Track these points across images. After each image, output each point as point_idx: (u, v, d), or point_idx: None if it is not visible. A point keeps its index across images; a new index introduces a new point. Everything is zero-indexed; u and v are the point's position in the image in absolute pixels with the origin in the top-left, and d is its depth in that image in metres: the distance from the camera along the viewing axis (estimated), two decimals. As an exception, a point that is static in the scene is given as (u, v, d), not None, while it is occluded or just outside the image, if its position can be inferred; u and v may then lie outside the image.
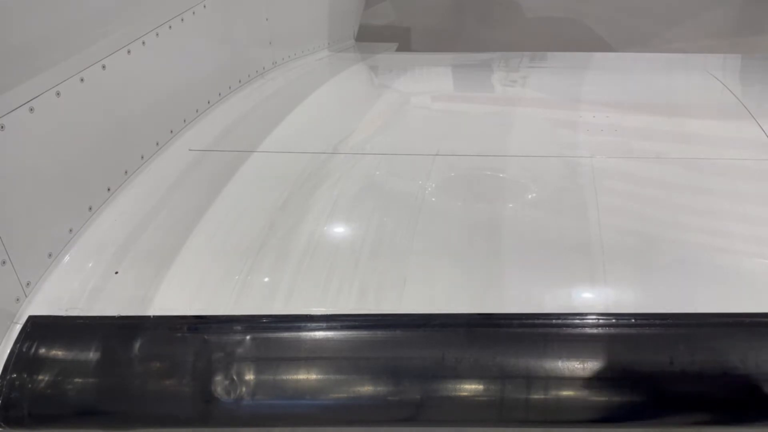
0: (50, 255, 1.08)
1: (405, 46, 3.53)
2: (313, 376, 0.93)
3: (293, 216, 1.21)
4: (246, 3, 1.90)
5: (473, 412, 0.92)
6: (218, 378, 0.92)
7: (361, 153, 1.50)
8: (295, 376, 0.93)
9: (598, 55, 2.75)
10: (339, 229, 1.22)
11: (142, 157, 1.37)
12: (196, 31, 1.59)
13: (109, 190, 1.25)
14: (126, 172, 1.31)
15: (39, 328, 0.97)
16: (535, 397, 0.91)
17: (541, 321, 0.96)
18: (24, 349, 0.95)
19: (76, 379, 0.93)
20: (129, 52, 1.30)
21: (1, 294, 0.97)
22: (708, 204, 1.25)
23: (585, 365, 0.92)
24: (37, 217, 1.06)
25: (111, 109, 1.27)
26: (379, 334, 0.97)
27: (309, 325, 0.97)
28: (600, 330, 0.95)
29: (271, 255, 1.11)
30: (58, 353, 0.95)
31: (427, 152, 1.45)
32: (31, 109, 1.02)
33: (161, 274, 1.06)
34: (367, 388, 0.92)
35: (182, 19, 1.51)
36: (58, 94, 1.08)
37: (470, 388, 0.92)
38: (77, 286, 1.04)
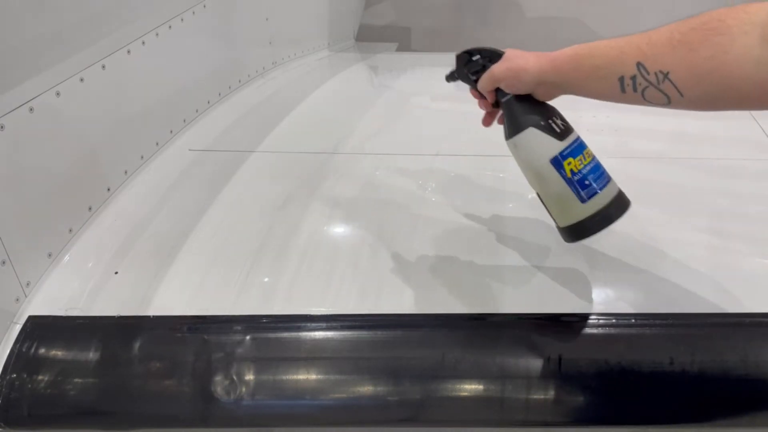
0: (50, 255, 1.08)
1: (405, 46, 3.52)
2: (313, 376, 0.93)
3: (293, 216, 1.21)
4: (246, 3, 1.90)
5: (473, 412, 0.92)
6: (218, 378, 0.92)
7: (361, 153, 1.50)
8: (295, 376, 0.93)
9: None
10: (339, 229, 1.22)
11: (142, 157, 1.37)
12: (196, 31, 1.59)
13: (109, 190, 1.25)
14: (126, 172, 1.31)
15: (39, 328, 0.97)
16: (535, 397, 0.91)
17: (541, 321, 0.96)
18: (24, 349, 0.95)
19: (76, 379, 0.93)
20: (129, 52, 1.30)
21: (0, 294, 0.97)
22: (708, 204, 1.25)
23: (585, 365, 0.92)
24: (37, 217, 1.06)
25: (111, 109, 1.27)
26: (379, 334, 0.97)
27: (309, 325, 0.97)
28: (600, 330, 0.95)
29: (271, 255, 1.11)
30: (57, 353, 0.95)
31: (427, 152, 1.45)
32: (31, 109, 1.02)
33: (161, 274, 1.06)
34: (367, 388, 0.92)
35: (182, 19, 1.51)
36: (58, 94, 1.08)
37: (470, 388, 0.92)
38: (77, 286, 1.04)
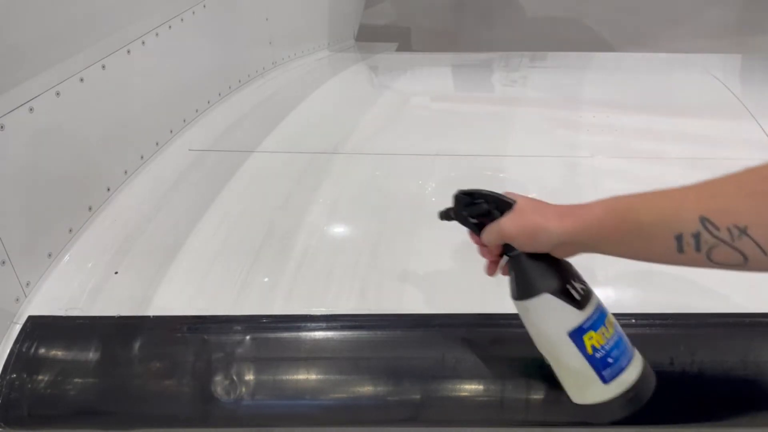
0: (50, 255, 1.08)
1: (405, 46, 3.53)
2: (313, 376, 0.93)
3: (293, 216, 1.21)
4: (246, 3, 1.90)
5: (473, 412, 0.92)
6: (218, 378, 0.92)
7: (361, 153, 1.50)
8: (295, 376, 0.93)
9: (598, 55, 2.75)
10: (339, 229, 1.22)
11: (142, 157, 1.37)
12: (196, 31, 1.59)
13: (109, 190, 1.25)
14: (126, 172, 1.31)
15: (39, 328, 0.97)
16: (535, 397, 0.91)
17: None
18: (24, 349, 0.95)
19: (76, 379, 0.93)
20: (129, 52, 1.30)
21: (0, 294, 0.97)
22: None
23: (585, 365, 0.92)
24: (37, 217, 1.06)
25: (111, 109, 1.27)
26: (379, 334, 0.97)
27: (309, 325, 0.97)
28: (600, 330, 0.95)
29: (270, 255, 1.11)
30: (57, 353, 0.95)
31: (427, 152, 1.45)
32: (31, 109, 1.02)
33: (161, 274, 1.06)
34: (367, 388, 0.92)
35: (182, 19, 1.51)
36: (58, 94, 1.09)
37: (470, 388, 0.92)
38: (77, 286, 1.04)
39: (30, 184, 1.04)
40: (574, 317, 0.77)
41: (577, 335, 0.76)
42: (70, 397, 0.93)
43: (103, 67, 1.21)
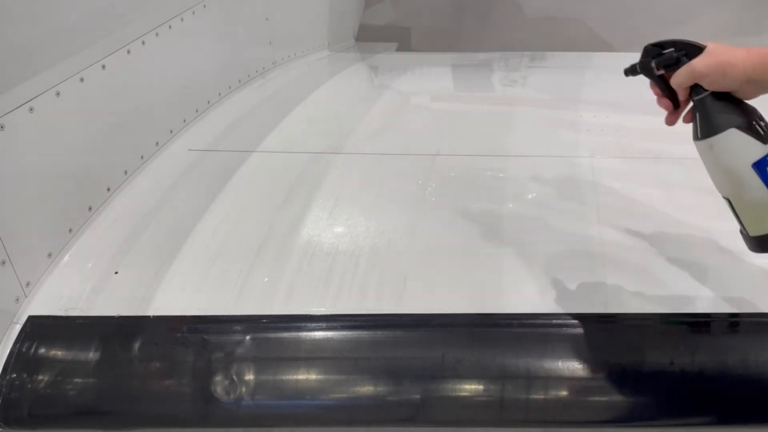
0: (50, 255, 1.08)
1: (405, 46, 3.52)
2: (313, 376, 0.93)
3: (293, 216, 1.21)
4: (246, 3, 1.90)
5: (473, 412, 0.92)
6: (218, 378, 0.92)
7: (361, 153, 1.50)
8: (295, 376, 0.93)
9: (598, 55, 2.75)
10: (339, 229, 1.22)
11: (142, 157, 1.37)
12: (195, 31, 1.59)
13: (109, 190, 1.25)
14: (126, 172, 1.31)
15: (39, 328, 0.97)
16: (535, 397, 0.91)
17: (541, 321, 0.96)
18: (24, 349, 0.95)
19: (76, 379, 0.93)
20: (129, 51, 1.30)
21: (0, 294, 0.97)
22: (708, 204, 1.25)
23: (585, 365, 0.92)
24: (37, 217, 1.06)
25: (111, 109, 1.27)
26: (379, 334, 0.97)
27: (309, 325, 0.97)
28: (600, 330, 0.95)
29: (271, 255, 1.11)
30: (57, 353, 0.95)
31: (427, 152, 1.45)
32: (31, 109, 1.02)
33: (161, 274, 1.06)
34: (367, 388, 0.92)
35: (182, 19, 1.51)
36: (58, 94, 1.09)
37: (470, 388, 0.92)
38: (77, 286, 1.04)
39: (30, 184, 1.04)
40: (759, 150, 0.82)
41: (761, 167, 0.82)
42: (70, 397, 0.93)
43: (103, 67, 1.21)
